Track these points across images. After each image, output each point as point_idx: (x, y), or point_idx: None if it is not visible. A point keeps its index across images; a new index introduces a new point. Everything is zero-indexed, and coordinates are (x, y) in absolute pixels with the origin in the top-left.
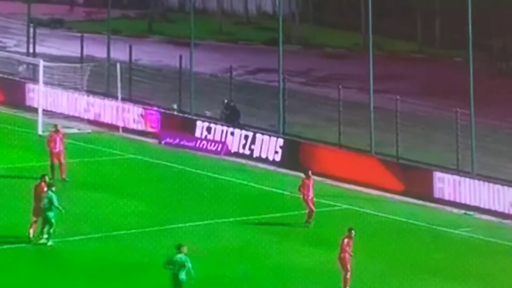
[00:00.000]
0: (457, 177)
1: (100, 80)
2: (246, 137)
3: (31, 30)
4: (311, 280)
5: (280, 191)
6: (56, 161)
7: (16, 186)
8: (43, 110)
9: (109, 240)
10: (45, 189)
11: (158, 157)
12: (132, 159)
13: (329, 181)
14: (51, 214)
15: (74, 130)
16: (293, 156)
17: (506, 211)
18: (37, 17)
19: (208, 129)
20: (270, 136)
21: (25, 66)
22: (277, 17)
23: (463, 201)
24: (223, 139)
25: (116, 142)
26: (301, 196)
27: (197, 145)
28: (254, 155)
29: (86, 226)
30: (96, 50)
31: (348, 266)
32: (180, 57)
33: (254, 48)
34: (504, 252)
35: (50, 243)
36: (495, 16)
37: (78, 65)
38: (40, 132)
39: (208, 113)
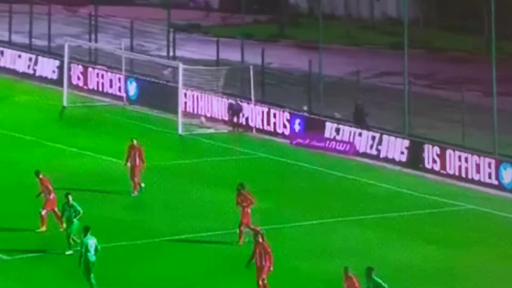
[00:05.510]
0: None
1: (233, 83)
2: (373, 138)
3: (171, 34)
4: (428, 280)
5: (404, 191)
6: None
7: (158, 183)
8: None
9: (235, 236)
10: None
11: (288, 157)
12: (263, 158)
13: (452, 181)
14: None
15: (212, 130)
16: (418, 157)
17: None
18: (175, 22)
19: (337, 130)
20: (396, 137)
21: (170, 69)
22: (402, 21)
23: None
24: (351, 140)
25: (249, 142)
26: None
27: (327, 145)
28: (381, 156)
29: (213, 222)
30: (230, 53)
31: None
32: (310, 62)
33: (378, 52)
34: None
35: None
36: None
37: (215, 68)
38: (180, 132)
39: (337, 115)
